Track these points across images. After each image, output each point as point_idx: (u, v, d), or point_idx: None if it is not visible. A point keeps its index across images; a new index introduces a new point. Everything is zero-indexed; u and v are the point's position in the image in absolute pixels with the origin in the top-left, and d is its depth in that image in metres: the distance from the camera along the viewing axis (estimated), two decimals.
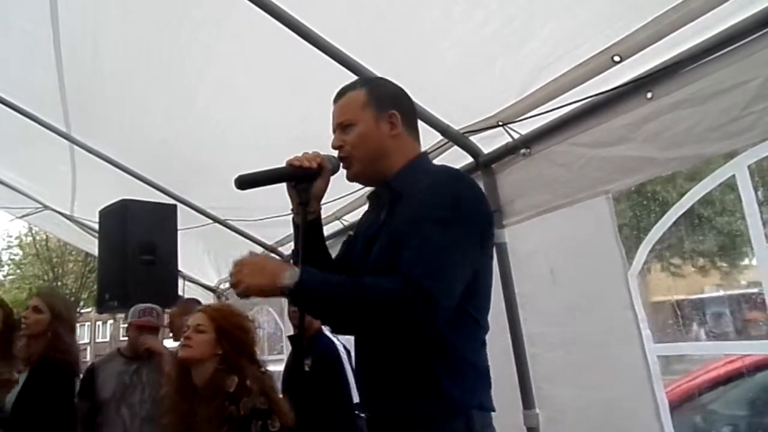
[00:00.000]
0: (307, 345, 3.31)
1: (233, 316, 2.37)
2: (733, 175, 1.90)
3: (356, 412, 1.50)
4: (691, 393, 3.60)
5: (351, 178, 1.62)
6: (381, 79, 1.70)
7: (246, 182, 1.51)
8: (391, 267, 1.37)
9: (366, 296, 1.32)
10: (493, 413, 1.47)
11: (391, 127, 1.56)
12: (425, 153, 1.69)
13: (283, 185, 1.58)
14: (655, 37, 1.82)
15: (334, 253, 1.74)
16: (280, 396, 2.26)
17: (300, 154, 1.56)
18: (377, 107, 1.57)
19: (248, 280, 1.36)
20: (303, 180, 1.55)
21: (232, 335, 2.27)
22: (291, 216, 1.64)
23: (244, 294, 1.37)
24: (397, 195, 1.52)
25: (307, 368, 3.25)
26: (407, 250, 1.35)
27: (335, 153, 1.60)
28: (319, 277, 1.37)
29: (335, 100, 1.62)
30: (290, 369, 3.57)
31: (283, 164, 1.55)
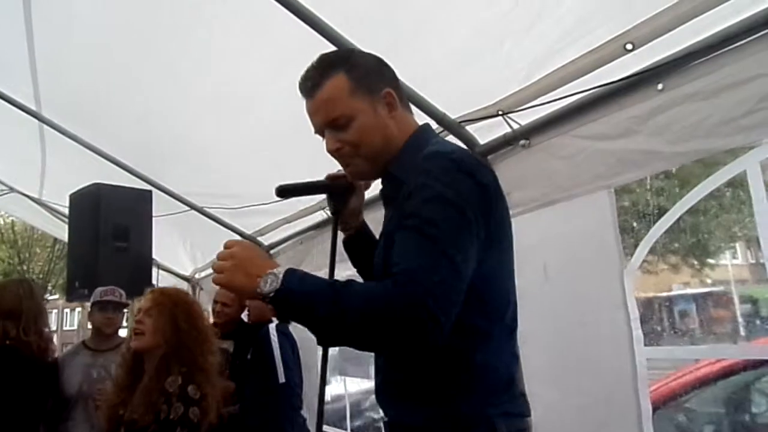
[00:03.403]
0: (250, 334, 3.54)
1: (184, 301, 2.36)
2: (744, 171, 1.84)
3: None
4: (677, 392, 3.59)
5: (357, 178, 1.50)
6: (354, 53, 1.47)
7: (287, 192, 1.56)
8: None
9: (353, 303, 1.12)
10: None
11: (390, 108, 1.37)
12: (425, 125, 1.49)
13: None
14: (670, 26, 1.74)
15: None
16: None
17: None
18: (368, 89, 1.35)
19: (229, 276, 1.20)
20: (337, 193, 1.59)
21: (181, 323, 2.24)
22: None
23: (225, 287, 1.24)
24: (400, 183, 1.33)
25: (249, 356, 3.47)
26: (393, 249, 1.20)
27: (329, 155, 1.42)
28: (302, 284, 1.17)
29: (310, 94, 1.36)
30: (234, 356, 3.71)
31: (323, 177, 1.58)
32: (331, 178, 1.56)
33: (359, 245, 1.66)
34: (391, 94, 1.38)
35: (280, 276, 1.15)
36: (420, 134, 1.43)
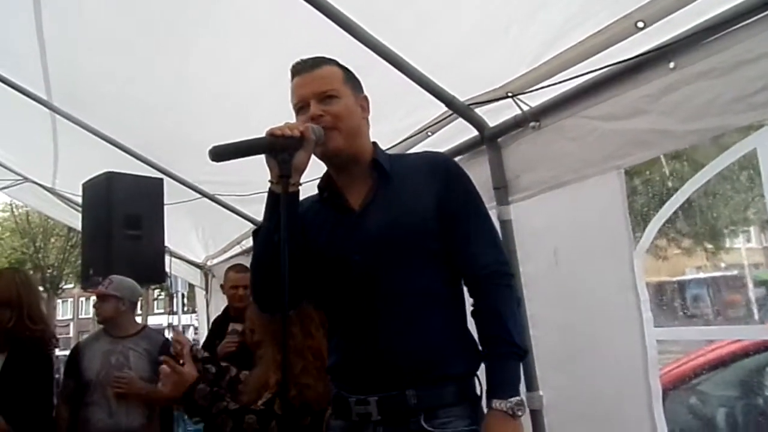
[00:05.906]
0: None
1: None
2: (755, 149, 1.81)
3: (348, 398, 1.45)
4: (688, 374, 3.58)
5: (332, 151, 1.53)
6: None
7: (221, 154, 1.38)
8: (413, 239, 1.52)
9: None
10: None
11: (363, 110, 1.60)
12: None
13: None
14: (682, 2, 1.72)
15: None
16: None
17: (282, 123, 1.44)
18: (353, 88, 1.59)
19: None
20: (283, 151, 1.41)
21: None
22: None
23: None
24: (386, 175, 1.57)
25: None
26: (478, 245, 1.56)
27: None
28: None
29: (308, 70, 1.55)
30: None
31: (263, 134, 1.42)
32: (275, 135, 1.40)
33: (293, 205, 1.52)
34: (367, 99, 1.61)
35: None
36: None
